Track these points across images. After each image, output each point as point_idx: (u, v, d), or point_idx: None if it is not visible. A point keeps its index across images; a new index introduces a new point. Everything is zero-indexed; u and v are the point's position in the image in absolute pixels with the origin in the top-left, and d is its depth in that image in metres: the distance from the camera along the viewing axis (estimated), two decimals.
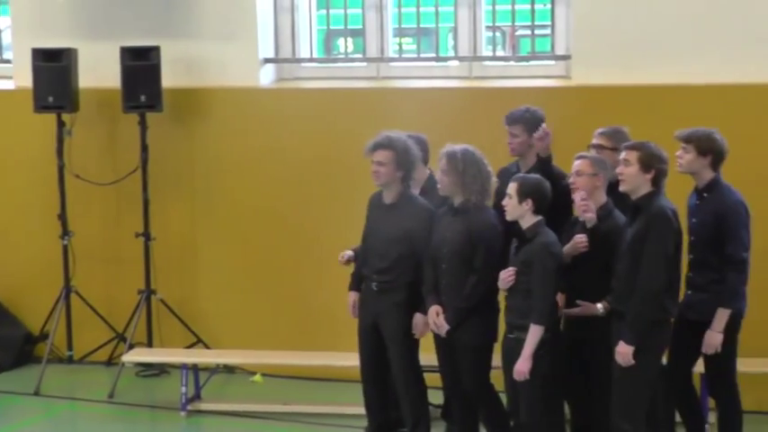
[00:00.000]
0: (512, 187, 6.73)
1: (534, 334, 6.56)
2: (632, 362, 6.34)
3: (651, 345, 6.41)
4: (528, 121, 7.46)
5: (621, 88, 8.55)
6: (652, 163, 6.43)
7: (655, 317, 6.37)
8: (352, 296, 7.63)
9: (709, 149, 6.82)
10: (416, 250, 7.26)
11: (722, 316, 6.76)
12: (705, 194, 6.87)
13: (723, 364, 6.91)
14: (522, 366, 6.57)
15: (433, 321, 7.12)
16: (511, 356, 6.73)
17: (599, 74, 8.65)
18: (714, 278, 6.76)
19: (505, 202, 6.75)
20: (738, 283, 6.80)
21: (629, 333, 6.34)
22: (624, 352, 6.35)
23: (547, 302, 6.58)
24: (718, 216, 6.76)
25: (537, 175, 6.91)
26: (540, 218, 6.70)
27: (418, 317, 7.27)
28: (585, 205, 6.69)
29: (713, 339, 6.77)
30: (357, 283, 7.62)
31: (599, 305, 6.71)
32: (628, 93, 8.52)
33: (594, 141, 7.24)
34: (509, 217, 6.77)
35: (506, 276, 6.72)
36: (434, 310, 7.13)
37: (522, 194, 6.67)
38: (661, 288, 6.32)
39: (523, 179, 6.80)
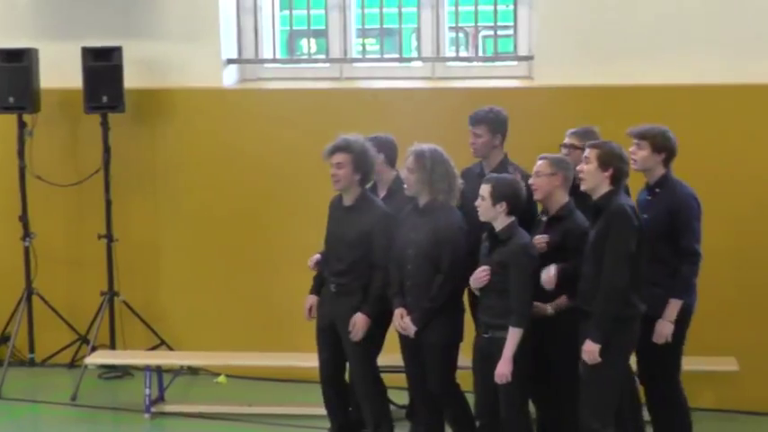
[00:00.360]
0: (485, 189, 6.73)
1: (514, 336, 6.58)
2: (599, 360, 6.37)
3: (618, 343, 6.44)
4: (491, 122, 7.48)
5: (583, 89, 8.59)
6: (611, 161, 6.47)
7: (622, 313, 6.40)
8: (310, 300, 7.62)
9: (664, 147, 6.92)
10: (372, 254, 7.26)
11: (674, 306, 6.83)
12: (657, 190, 6.95)
13: (670, 358, 6.95)
14: (504, 369, 6.59)
15: (398, 323, 7.12)
16: (484, 356, 6.76)
17: (561, 74, 8.69)
18: (667, 272, 6.82)
19: (478, 203, 6.75)
20: (691, 275, 6.88)
21: (594, 331, 6.37)
22: (590, 350, 6.38)
23: (525, 305, 6.61)
24: (672, 210, 6.85)
25: (510, 176, 6.92)
26: (513, 219, 6.71)
27: (359, 317, 7.26)
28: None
29: (664, 329, 6.82)
30: (317, 286, 7.62)
31: (548, 306, 6.75)
32: (589, 93, 8.57)
33: (566, 141, 7.29)
34: (482, 218, 6.76)
35: (481, 276, 6.73)
36: (399, 312, 7.13)
37: (497, 197, 6.68)
38: (624, 285, 6.36)
39: (497, 180, 6.79)
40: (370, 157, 7.30)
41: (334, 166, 7.29)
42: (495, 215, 6.71)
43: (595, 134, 7.23)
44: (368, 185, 7.46)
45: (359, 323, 7.24)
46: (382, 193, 7.63)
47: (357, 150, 7.25)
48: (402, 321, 7.08)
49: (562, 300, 6.76)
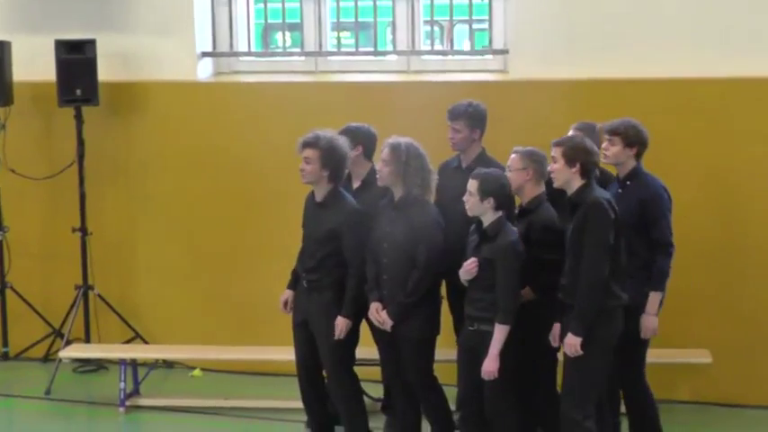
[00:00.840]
0: (472, 184, 6.72)
1: (500, 333, 6.59)
2: (580, 352, 6.39)
3: (601, 335, 6.45)
4: (470, 117, 7.49)
5: (558, 82, 8.61)
6: (576, 156, 6.49)
7: (604, 305, 6.41)
8: (286, 294, 7.61)
9: (636, 140, 6.99)
10: (342, 251, 7.26)
11: (655, 299, 6.89)
12: (628, 182, 7.00)
13: (636, 352, 6.99)
14: (491, 366, 6.59)
15: (374, 317, 7.13)
16: (469, 348, 6.77)
17: (536, 68, 8.70)
18: (638, 264, 6.85)
19: (466, 198, 6.74)
20: (667, 267, 6.93)
21: (576, 324, 6.38)
22: (572, 343, 6.40)
23: (512, 301, 6.61)
24: (642, 202, 6.91)
25: (498, 171, 6.92)
26: (500, 214, 6.72)
27: (339, 320, 7.25)
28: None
29: (650, 323, 6.88)
30: (294, 281, 7.62)
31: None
32: (564, 87, 8.58)
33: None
34: (470, 213, 6.76)
35: (470, 267, 6.73)
36: (375, 306, 7.14)
37: (484, 192, 6.68)
38: (604, 278, 6.37)
39: (484, 176, 6.77)
40: (339, 154, 7.27)
41: (302, 161, 7.31)
42: (483, 210, 6.71)
43: (594, 131, 7.21)
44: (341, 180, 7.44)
45: (340, 325, 7.23)
46: (356, 184, 7.63)
47: (325, 146, 7.24)
48: (378, 315, 7.09)
49: (525, 291, 6.78)
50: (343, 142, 7.33)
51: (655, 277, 6.90)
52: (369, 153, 7.64)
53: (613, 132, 6.98)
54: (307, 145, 7.28)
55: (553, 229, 6.72)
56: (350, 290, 7.24)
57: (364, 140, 7.62)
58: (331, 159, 7.24)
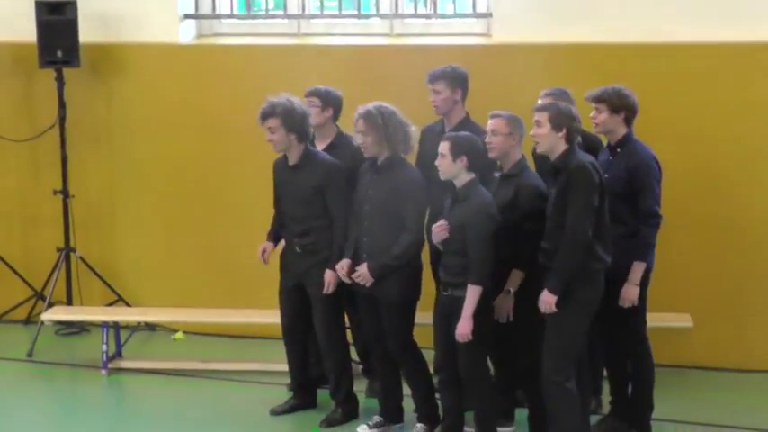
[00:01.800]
0: (444, 146, 6.72)
1: (472, 295, 6.60)
2: (554, 310, 6.40)
3: (581, 297, 6.47)
4: (449, 77, 7.47)
5: (541, 46, 8.59)
6: (563, 122, 6.47)
7: (588, 267, 6.42)
8: (264, 245, 7.63)
9: (622, 106, 6.93)
10: (329, 207, 7.29)
11: (638, 269, 6.87)
12: (618, 150, 6.97)
13: (634, 318, 7.01)
14: (464, 328, 6.61)
15: (342, 274, 7.11)
16: (444, 313, 6.79)
17: (519, 32, 8.69)
18: (624, 233, 6.84)
19: (438, 161, 6.74)
20: (651, 237, 6.91)
21: (553, 282, 6.39)
22: (547, 300, 6.40)
23: (486, 264, 6.61)
24: (631, 170, 6.87)
25: (468, 133, 6.91)
26: (473, 176, 6.72)
27: (328, 273, 7.28)
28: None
29: (630, 293, 6.87)
30: (273, 235, 7.63)
31: (509, 288, 6.80)
32: (547, 51, 8.57)
33: (540, 102, 7.23)
34: (443, 177, 6.75)
35: (438, 230, 6.74)
36: (342, 264, 7.17)
37: (456, 152, 6.67)
38: (586, 239, 6.37)
39: (455, 137, 6.79)
40: (299, 113, 7.29)
41: (267, 132, 7.30)
42: (456, 171, 6.70)
43: (569, 97, 7.20)
44: (308, 138, 7.45)
45: (328, 279, 7.27)
46: (321, 146, 7.62)
47: (282, 111, 7.25)
48: (362, 270, 7.05)
49: (515, 275, 6.79)
50: (298, 101, 7.35)
51: (639, 248, 6.87)
52: (337, 116, 7.65)
53: (598, 100, 6.94)
54: (266, 116, 7.30)
55: (542, 196, 6.71)
56: (338, 244, 7.26)
57: (334, 104, 7.63)
58: (293, 122, 7.26)
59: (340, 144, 7.51)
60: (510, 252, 6.73)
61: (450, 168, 6.70)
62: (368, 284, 7.05)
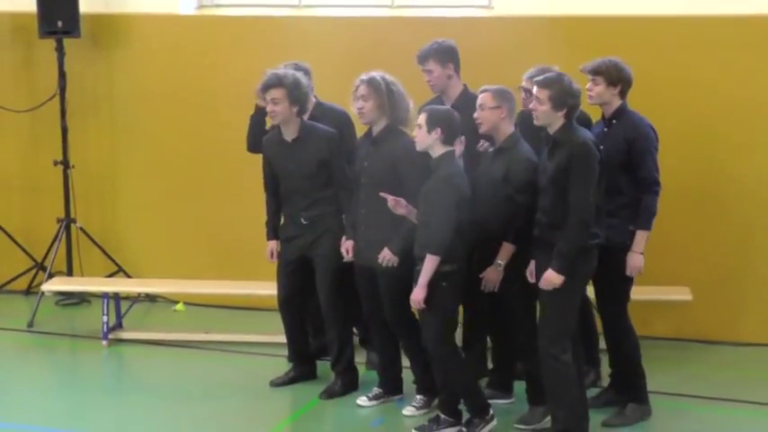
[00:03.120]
0: (421, 118, 6.71)
1: (429, 263, 6.57)
2: (557, 286, 6.40)
3: (579, 271, 6.47)
4: (437, 52, 7.44)
5: (542, 18, 8.57)
6: (564, 99, 6.44)
7: (585, 243, 6.44)
8: (271, 244, 7.63)
9: (619, 79, 6.91)
10: (334, 177, 7.30)
11: (642, 237, 6.86)
12: (614, 121, 6.96)
13: (621, 289, 7.00)
14: (417, 295, 6.61)
15: (381, 259, 6.98)
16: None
17: (521, 4, 8.66)
18: (624, 203, 6.84)
19: (416, 132, 6.74)
20: (654, 205, 6.90)
21: (561, 262, 6.37)
22: (552, 280, 6.37)
23: (445, 233, 6.57)
24: (629, 140, 6.86)
25: (446, 106, 6.92)
26: (449, 149, 6.70)
27: (348, 243, 7.27)
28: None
29: (636, 261, 6.86)
30: (273, 231, 7.63)
31: (499, 261, 6.78)
32: (548, 23, 8.55)
33: (523, 84, 7.20)
34: (419, 147, 6.73)
35: (392, 202, 6.72)
36: (346, 245, 7.19)
37: (432, 123, 6.66)
38: (591, 217, 6.38)
39: (432, 109, 6.79)
40: (304, 88, 7.30)
41: (270, 103, 7.28)
42: (431, 142, 6.68)
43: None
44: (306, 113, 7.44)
45: (347, 247, 7.24)
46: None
47: (290, 84, 7.25)
48: (383, 254, 6.96)
49: (506, 248, 6.78)
50: (302, 76, 7.35)
51: (642, 216, 6.87)
52: (311, 88, 7.64)
53: (596, 72, 6.92)
54: (271, 86, 7.28)
55: (535, 169, 6.69)
56: (349, 212, 7.26)
57: (310, 76, 7.62)
58: (298, 95, 7.26)
59: (318, 114, 7.54)
60: (501, 226, 6.74)
61: (426, 139, 6.69)
62: (395, 264, 6.98)
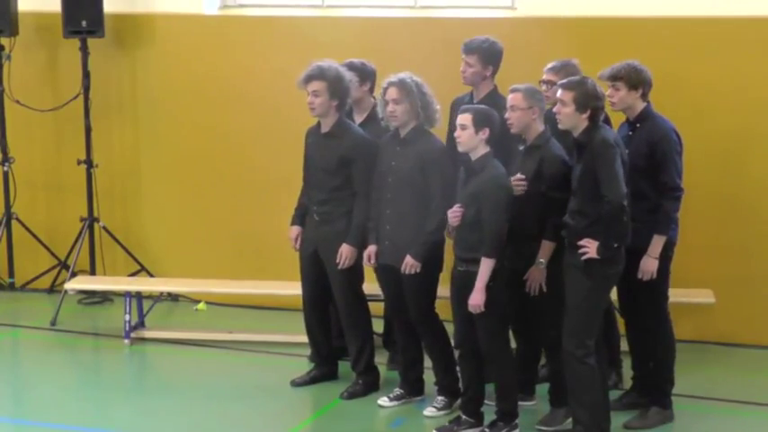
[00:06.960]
0: (465, 118, 6.69)
1: (486, 266, 6.60)
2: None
3: (603, 273, 6.47)
4: (485, 52, 7.45)
5: (566, 19, 8.55)
6: (588, 102, 6.43)
7: (626, 230, 6.41)
8: (294, 230, 7.63)
9: (639, 81, 6.86)
10: (353, 180, 7.28)
11: (658, 242, 6.83)
12: (638, 125, 6.92)
13: (656, 292, 6.99)
14: (476, 299, 6.62)
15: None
16: (460, 289, 6.77)
17: (544, 4, 8.64)
18: (648, 207, 6.80)
19: (458, 133, 6.71)
20: (673, 211, 6.88)
21: (603, 248, 6.37)
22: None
23: (498, 236, 6.60)
24: (651, 144, 6.82)
25: (487, 106, 6.89)
26: (489, 149, 6.71)
27: (344, 247, 7.29)
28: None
29: (649, 265, 6.84)
30: (299, 217, 7.63)
31: (541, 260, 6.79)
32: (572, 24, 8.53)
33: (544, 77, 7.21)
34: (462, 148, 6.72)
35: (453, 216, 6.72)
36: (369, 251, 7.18)
37: (479, 124, 6.65)
38: (626, 199, 6.35)
39: (477, 109, 6.77)
40: (345, 83, 7.29)
41: (310, 94, 7.28)
42: (476, 143, 6.69)
43: (574, 67, 7.17)
44: (345, 109, 7.43)
45: (345, 253, 7.27)
46: (359, 119, 7.62)
47: (332, 77, 7.24)
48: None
49: (546, 246, 6.77)
50: (345, 71, 7.32)
51: (661, 221, 6.83)
52: (372, 89, 7.64)
53: (615, 78, 6.86)
54: (313, 77, 7.26)
55: (567, 164, 6.70)
56: (358, 219, 7.26)
57: (371, 77, 7.65)
58: (339, 89, 7.25)
59: (377, 115, 7.43)
60: (537, 223, 6.74)
61: (472, 140, 6.68)
62: (418, 270, 6.98)
